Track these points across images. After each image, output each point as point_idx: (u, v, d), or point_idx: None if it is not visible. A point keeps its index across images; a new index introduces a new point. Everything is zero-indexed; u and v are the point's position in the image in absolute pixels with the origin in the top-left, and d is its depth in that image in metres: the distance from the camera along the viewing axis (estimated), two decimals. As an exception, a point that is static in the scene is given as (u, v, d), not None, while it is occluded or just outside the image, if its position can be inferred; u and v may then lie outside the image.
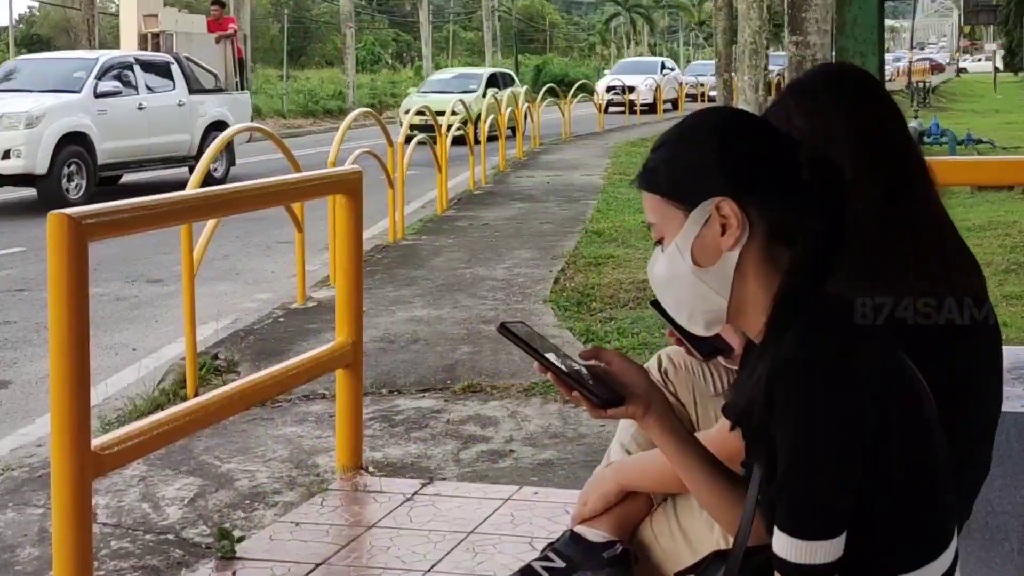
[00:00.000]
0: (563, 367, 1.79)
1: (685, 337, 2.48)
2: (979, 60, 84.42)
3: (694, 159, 1.74)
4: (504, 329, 1.81)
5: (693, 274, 1.73)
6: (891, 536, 1.63)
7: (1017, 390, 3.31)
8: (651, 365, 2.60)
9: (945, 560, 1.68)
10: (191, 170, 16.24)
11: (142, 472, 4.70)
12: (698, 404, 2.57)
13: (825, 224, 1.67)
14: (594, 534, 2.21)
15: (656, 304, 2.37)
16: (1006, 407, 3.13)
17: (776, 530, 1.61)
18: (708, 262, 1.72)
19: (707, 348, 2.49)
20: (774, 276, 1.70)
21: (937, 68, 72.72)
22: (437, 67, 46.61)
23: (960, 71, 78.11)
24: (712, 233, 1.71)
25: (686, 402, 2.58)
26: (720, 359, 2.54)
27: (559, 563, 2.20)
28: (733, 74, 21.51)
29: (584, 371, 1.81)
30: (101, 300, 8.67)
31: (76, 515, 3.09)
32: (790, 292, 1.66)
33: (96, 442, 3.20)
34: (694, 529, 2.19)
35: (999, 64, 70.10)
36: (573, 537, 2.23)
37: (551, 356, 1.80)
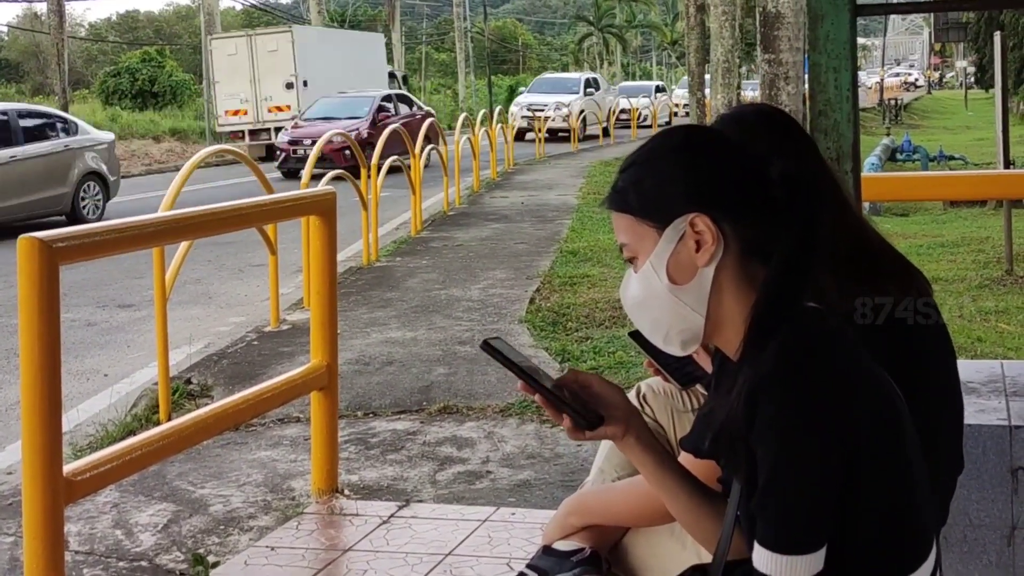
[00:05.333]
0: (548, 387, 1.77)
1: (663, 367, 2.49)
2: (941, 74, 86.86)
3: (665, 177, 1.73)
4: (487, 347, 1.78)
5: (669, 292, 1.72)
6: (871, 548, 1.63)
7: (992, 403, 3.31)
8: (630, 395, 2.60)
9: (925, 571, 1.68)
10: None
11: (115, 498, 4.66)
12: (676, 425, 2.58)
13: (798, 239, 1.66)
14: (565, 544, 2.24)
15: (634, 335, 2.37)
16: (982, 420, 3.15)
17: (756, 545, 1.60)
18: (684, 279, 1.71)
19: (686, 377, 2.50)
20: (750, 292, 1.69)
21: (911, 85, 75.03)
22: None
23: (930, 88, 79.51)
24: (687, 250, 1.70)
25: (664, 424, 2.60)
26: (698, 387, 2.55)
27: (532, 575, 2.22)
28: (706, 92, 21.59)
29: (564, 391, 1.80)
30: (72, 326, 8.61)
31: (48, 542, 3.05)
32: (767, 307, 1.65)
33: (68, 468, 3.17)
34: (665, 546, 2.20)
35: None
36: (546, 550, 2.26)
37: (535, 375, 1.78)
